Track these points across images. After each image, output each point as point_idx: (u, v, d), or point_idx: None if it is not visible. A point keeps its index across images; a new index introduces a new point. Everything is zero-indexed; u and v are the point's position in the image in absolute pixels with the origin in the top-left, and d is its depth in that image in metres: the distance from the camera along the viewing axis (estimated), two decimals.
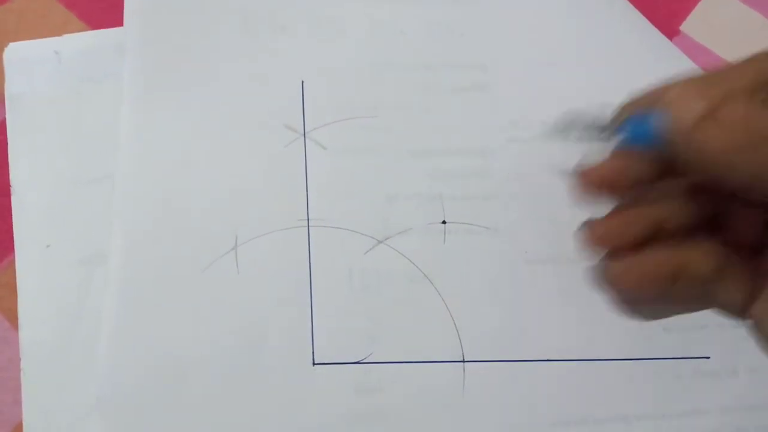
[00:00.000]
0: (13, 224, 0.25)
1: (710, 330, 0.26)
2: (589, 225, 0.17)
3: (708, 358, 0.26)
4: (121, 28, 0.28)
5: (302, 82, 0.28)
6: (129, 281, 0.25)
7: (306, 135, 0.27)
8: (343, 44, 0.29)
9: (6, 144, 0.26)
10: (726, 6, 0.33)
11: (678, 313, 0.18)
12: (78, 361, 0.24)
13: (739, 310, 0.16)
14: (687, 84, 0.15)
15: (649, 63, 0.30)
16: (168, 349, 0.24)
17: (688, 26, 0.33)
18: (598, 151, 0.18)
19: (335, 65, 0.28)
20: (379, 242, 0.26)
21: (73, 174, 0.26)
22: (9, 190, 0.26)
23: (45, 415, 0.24)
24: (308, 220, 0.26)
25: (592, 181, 0.17)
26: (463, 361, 0.25)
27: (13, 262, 0.25)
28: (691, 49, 0.32)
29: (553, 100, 0.29)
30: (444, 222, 0.27)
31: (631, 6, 0.31)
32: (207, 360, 0.24)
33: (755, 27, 0.33)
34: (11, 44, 0.28)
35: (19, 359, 0.24)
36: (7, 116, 0.27)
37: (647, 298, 0.17)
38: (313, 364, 0.24)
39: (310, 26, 0.29)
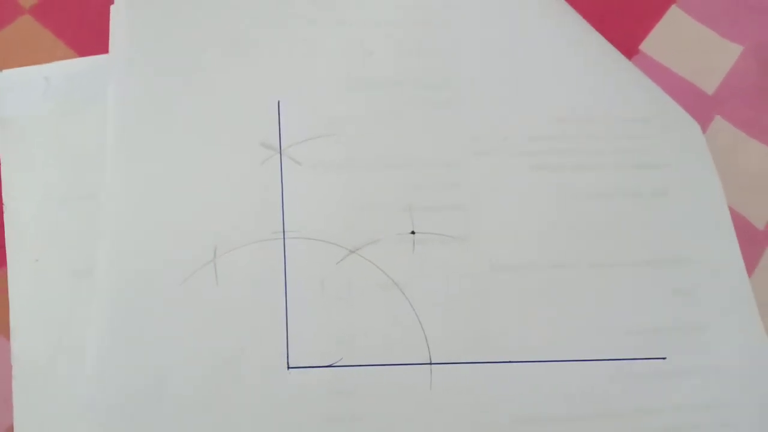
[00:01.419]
0: (6, 240, 0.27)
1: (668, 332, 0.28)
2: None
3: (664, 359, 0.28)
4: (107, 55, 0.30)
5: (278, 102, 0.30)
6: (114, 293, 0.27)
7: (282, 152, 0.29)
8: (316, 65, 0.31)
9: None
10: (684, 26, 0.35)
11: None
12: (68, 369, 0.26)
13: None
14: None
15: (608, 81, 0.32)
16: (151, 357, 0.26)
17: (647, 46, 0.35)
18: None
19: (309, 85, 0.30)
20: (351, 252, 0.28)
21: (62, 191, 0.28)
22: (1, 207, 0.28)
23: (36, 420, 0.25)
24: (284, 232, 0.28)
25: None
26: (430, 363, 0.27)
27: (4, 276, 0.27)
28: (651, 68, 0.34)
29: (517, 115, 0.31)
30: (413, 232, 0.29)
31: (589, 26, 0.33)
32: (189, 366, 0.26)
33: (712, 46, 0.35)
34: (3, 71, 0.30)
35: (11, 367, 0.26)
36: None
37: None
38: (288, 367, 0.26)
39: (284, 49, 0.31)
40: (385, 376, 0.26)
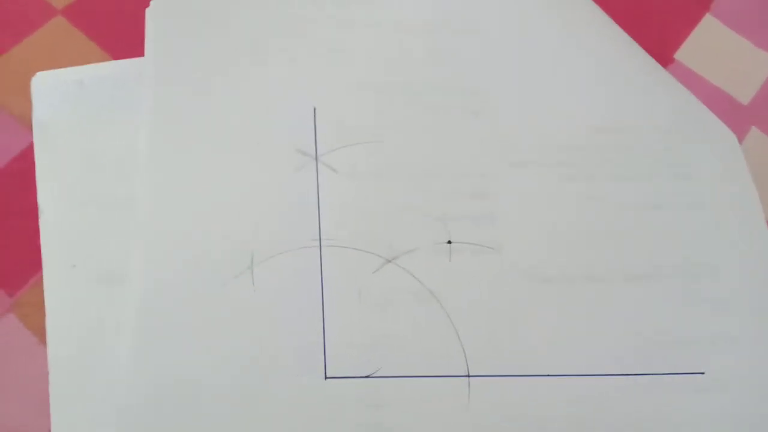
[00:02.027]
0: (42, 245, 0.27)
1: (704, 345, 0.28)
2: None
3: (702, 373, 0.28)
4: (141, 58, 0.30)
5: (314, 108, 0.30)
6: (147, 300, 0.27)
7: (318, 159, 0.29)
8: (350, 72, 0.31)
9: (33, 168, 0.29)
10: (718, 34, 0.35)
11: None
12: (104, 375, 0.26)
13: None
14: None
15: (644, 90, 0.32)
16: (185, 364, 0.26)
17: (682, 54, 0.35)
18: None
19: (344, 92, 0.30)
20: (387, 261, 0.28)
21: (97, 196, 0.28)
22: (36, 212, 0.28)
23: (72, 427, 0.25)
24: (320, 240, 0.28)
25: None
26: (468, 376, 0.27)
27: (40, 280, 0.27)
28: (686, 76, 0.34)
29: (552, 124, 0.31)
30: (449, 242, 0.29)
31: (624, 34, 0.33)
32: (223, 374, 0.26)
33: (746, 55, 0.35)
34: (38, 73, 0.30)
35: (48, 374, 0.26)
36: (34, 141, 0.29)
37: None
38: (326, 378, 0.26)
39: (320, 54, 0.31)
40: (423, 388, 0.26)
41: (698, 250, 0.30)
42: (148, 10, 0.31)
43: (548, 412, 0.27)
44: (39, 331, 0.27)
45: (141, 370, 0.26)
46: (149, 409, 0.26)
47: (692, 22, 0.36)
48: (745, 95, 0.34)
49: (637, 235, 0.30)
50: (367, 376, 0.26)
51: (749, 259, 0.30)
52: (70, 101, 0.30)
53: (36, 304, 0.27)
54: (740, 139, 0.33)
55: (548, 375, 0.27)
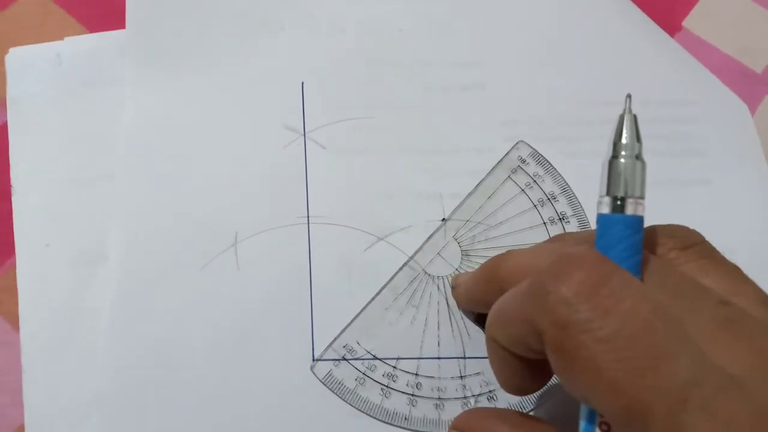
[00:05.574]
0: (14, 225, 0.27)
1: None
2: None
3: None
4: (119, 30, 0.30)
5: (302, 83, 0.30)
6: (129, 279, 0.26)
7: (306, 135, 0.29)
8: (341, 44, 0.30)
9: (7, 148, 0.28)
10: (729, 0, 0.35)
11: None
12: (79, 360, 0.26)
13: None
14: None
15: (648, 60, 0.32)
16: (168, 345, 0.26)
17: (690, 22, 0.34)
18: None
19: (334, 66, 0.30)
20: (379, 239, 0.28)
21: (73, 174, 0.28)
22: (9, 194, 0.28)
23: (46, 416, 0.25)
24: (308, 217, 0.28)
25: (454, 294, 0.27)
26: (464, 358, 0.26)
27: (14, 265, 0.27)
28: (694, 45, 0.34)
29: (552, 98, 0.31)
30: (444, 219, 0.28)
31: (629, 2, 0.33)
32: (207, 356, 0.26)
33: (759, 21, 0.34)
34: (12, 49, 0.30)
35: (20, 361, 0.26)
36: (8, 119, 0.29)
37: None
38: (314, 359, 0.26)
39: (308, 27, 0.31)
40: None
41: (706, 230, 0.29)
42: None
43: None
44: (13, 318, 0.27)
45: (120, 353, 0.26)
46: (129, 395, 0.25)
47: None
48: (758, 64, 0.34)
49: None
50: (357, 359, 0.26)
51: (760, 239, 0.29)
52: (46, 76, 0.30)
53: (11, 291, 0.27)
54: (753, 110, 0.32)
55: None
